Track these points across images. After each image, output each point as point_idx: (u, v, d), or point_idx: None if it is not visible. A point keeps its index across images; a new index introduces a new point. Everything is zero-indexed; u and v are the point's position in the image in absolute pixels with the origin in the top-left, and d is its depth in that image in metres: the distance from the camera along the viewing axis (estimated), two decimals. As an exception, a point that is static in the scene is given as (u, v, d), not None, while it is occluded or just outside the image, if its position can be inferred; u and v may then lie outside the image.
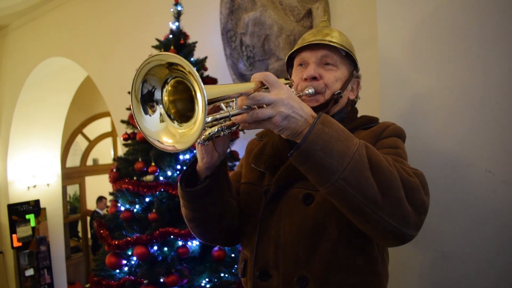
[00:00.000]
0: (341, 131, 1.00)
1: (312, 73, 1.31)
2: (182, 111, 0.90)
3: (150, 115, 0.89)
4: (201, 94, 0.78)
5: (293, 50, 1.42)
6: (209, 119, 0.92)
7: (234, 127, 1.05)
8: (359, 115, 1.44)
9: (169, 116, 0.90)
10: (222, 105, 1.00)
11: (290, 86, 1.36)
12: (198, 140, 1.03)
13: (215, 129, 1.00)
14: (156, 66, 0.87)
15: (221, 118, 0.96)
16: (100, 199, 7.94)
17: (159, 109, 0.89)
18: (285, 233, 1.23)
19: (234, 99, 0.97)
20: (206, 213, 1.28)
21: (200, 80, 0.80)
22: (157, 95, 0.88)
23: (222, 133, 1.02)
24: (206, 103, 0.77)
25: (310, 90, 1.30)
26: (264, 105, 0.96)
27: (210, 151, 1.16)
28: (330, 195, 1.02)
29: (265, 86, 1.00)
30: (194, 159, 1.25)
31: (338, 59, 1.35)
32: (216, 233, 1.37)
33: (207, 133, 1.01)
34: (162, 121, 0.89)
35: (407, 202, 0.98)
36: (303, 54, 1.37)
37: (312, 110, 1.30)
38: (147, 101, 0.89)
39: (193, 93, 0.80)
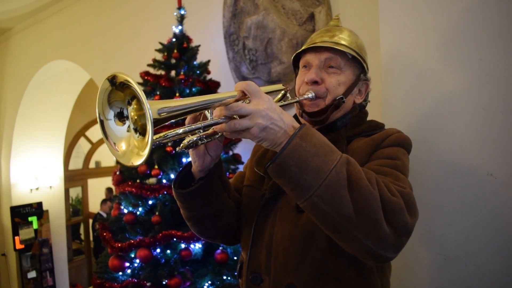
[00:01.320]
0: (320, 146, 0.98)
1: (313, 77, 1.29)
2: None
3: (119, 126, 0.91)
4: (146, 109, 0.79)
5: (298, 51, 1.40)
6: (180, 131, 0.95)
7: (217, 136, 1.06)
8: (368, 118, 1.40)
9: (135, 129, 0.90)
10: (207, 114, 1.01)
11: (286, 93, 1.35)
12: (178, 149, 1.04)
13: (194, 138, 1.00)
14: (110, 93, 0.88)
15: (191, 130, 0.97)
16: (105, 201, 7.95)
17: (128, 122, 0.90)
18: (277, 239, 1.23)
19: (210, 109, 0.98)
20: (201, 213, 1.29)
21: (139, 93, 0.79)
22: (125, 112, 0.90)
23: (201, 142, 1.03)
24: (151, 118, 0.78)
25: (310, 95, 1.28)
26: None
27: (202, 155, 1.17)
28: (306, 210, 1.00)
29: (247, 96, 1.00)
30: (189, 161, 1.26)
31: (342, 62, 1.30)
32: (213, 231, 1.38)
33: (185, 141, 1.01)
34: (128, 131, 0.90)
35: (385, 224, 0.95)
36: (307, 56, 1.35)
37: (311, 114, 1.30)
38: (118, 117, 0.91)
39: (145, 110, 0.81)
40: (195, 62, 2.85)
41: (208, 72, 2.94)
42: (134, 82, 0.81)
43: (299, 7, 2.72)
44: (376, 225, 0.94)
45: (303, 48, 1.38)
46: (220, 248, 2.50)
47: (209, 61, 2.93)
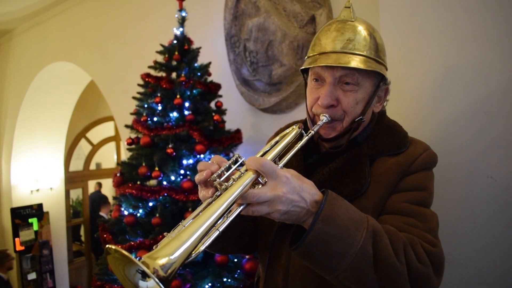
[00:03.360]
0: (345, 226, 0.92)
1: (328, 102, 1.14)
2: None
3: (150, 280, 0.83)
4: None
5: (306, 66, 1.22)
6: (202, 248, 0.87)
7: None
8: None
9: None
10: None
11: (301, 131, 1.19)
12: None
13: (210, 239, 0.89)
14: (117, 265, 0.81)
15: (212, 242, 0.89)
16: (105, 203, 7.94)
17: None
18: (295, 264, 1.19)
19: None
20: (222, 246, 1.29)
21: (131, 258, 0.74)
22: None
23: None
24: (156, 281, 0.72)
25: (325, 119, 1.15)
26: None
27: None
28: (332, 282, 1.00)
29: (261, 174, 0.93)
30: None
31: (359, 76, 1.14)
32: (235, 251, 1.42)
33: (203, 246, 0.89)
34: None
35: None
36: (318, 68, 1.17)
37: (329, 140, 1.19)
38: (144, 276, 0.82)
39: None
40: (196, 64, 2.85)
41: (209, 74, 2.95)
42: (123, 253, 0.74)
43: (300, 10, 2.73)
44: None
45: (312, 55, 1.21)
46: (220, 250, 2.50)
47: (210, 63, 2.94)
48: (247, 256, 2.56)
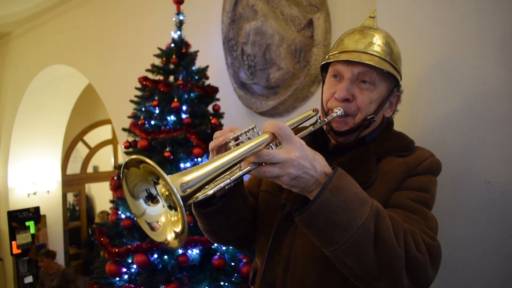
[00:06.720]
0: (351, 200, 0.95)
1: (344, 95, 1.19)
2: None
3: (153, 207, 0.86)
4: (174, 197, 0.74)
5: (328, 60, 1.28)
6: (211, 192, 0.90)
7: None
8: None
9: (169, 206, 0.84)
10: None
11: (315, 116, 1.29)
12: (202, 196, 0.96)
13: (221, 184, 0.93)
14: (132, 174, 0.83)
15: (221, 188, 0.92)
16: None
17: (161, 200, 0.85)
18: (297, 254, 1.20)
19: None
20: (219, 227, 1.28)
21: (164, 177, 0.74)
22: (153, 191, 0.85)
23: (227, 187, 0.97)
24: (180, 203, 0.74)
25: (339, 112, 1.20)
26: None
27: None
28: (329, 257, 1.00)
29: (278, 138, 0.96)
30: None
31: (377, 77, 1.20)
32: (230, 240, 1.39)
33: (211, 190, 0.93)
34: (163, 206, 0.85)
35: (406, 280, 0.96)
36: (339, 65, 1.23)
37: (339, 133, 1.22)
38: (148, 199, 0.86)
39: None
40: (193, 68, 2.86)
41: (207, 78, 2.95)
42: (152, 162, 0.75)
43: (297, 13, 2.73)
44: (397, 282, 0.96)
45: (335, 53, 1.26)
46: (218, 254, 2.50)
47: (207, 66, 2.94)
48: (244, 260, 2.55)
